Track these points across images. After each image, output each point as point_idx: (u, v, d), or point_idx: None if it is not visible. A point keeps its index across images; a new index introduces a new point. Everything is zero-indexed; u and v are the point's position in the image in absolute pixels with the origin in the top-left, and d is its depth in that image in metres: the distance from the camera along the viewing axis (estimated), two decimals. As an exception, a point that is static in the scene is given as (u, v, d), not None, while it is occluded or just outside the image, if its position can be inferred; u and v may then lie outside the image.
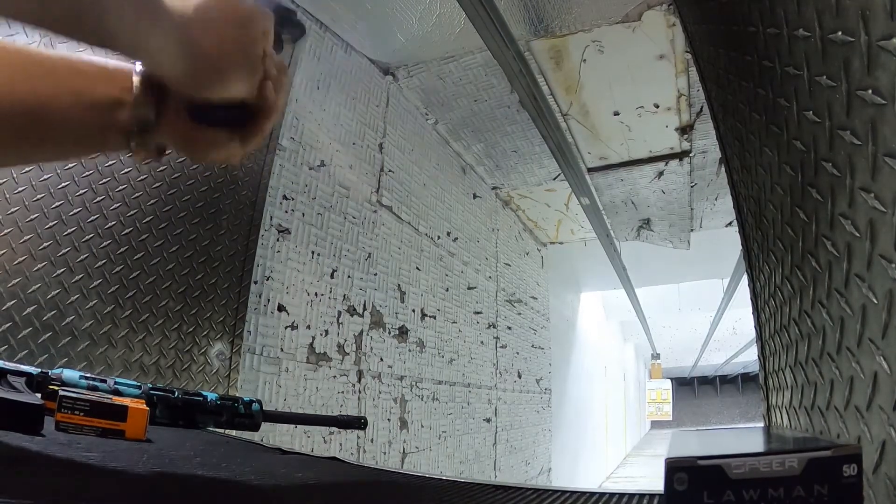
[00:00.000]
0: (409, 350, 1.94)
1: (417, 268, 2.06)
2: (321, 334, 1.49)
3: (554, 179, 2.80)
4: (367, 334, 1.70)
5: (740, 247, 0.89)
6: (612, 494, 0.51)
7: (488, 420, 2.63)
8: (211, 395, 0.74)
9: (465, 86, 2.02)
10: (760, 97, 0.59)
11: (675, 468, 0.33)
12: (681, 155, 2.53)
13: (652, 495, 0.50)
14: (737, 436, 0.57)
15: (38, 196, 0.84)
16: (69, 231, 0.88)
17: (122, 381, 0.65)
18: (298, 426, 1.33)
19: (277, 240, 1.36)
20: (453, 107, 2.16)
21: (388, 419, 1.77)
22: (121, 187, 0.97)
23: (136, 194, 1.00)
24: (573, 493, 0.52)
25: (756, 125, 0.64)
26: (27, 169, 0.83)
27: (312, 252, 1.49)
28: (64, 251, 0.87)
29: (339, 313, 1.57)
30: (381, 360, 1.76)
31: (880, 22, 0.34)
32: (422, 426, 1.98)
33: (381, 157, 1.87)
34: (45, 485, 0.33)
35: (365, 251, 1.73)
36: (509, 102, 2.11)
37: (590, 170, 2.68)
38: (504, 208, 3.20)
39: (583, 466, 5.07)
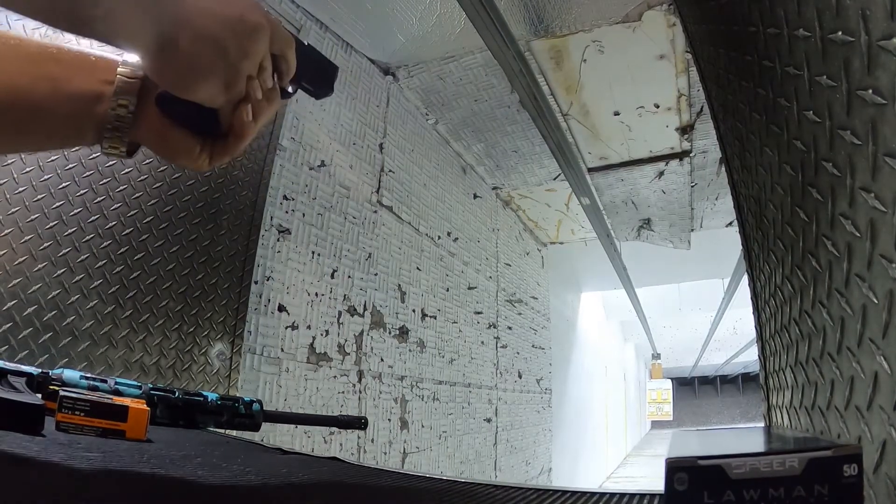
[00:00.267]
0: (410, 350, 1.94)
1: (418, 268, 2.06)
2: (321, 334, 1.49)
3: (554, 179, 2.80)
4: (368, 334, 1.70)
5: (741, 246, 0.89)
6: (612, 494, 0.51)
7: (489, 420, 2.63)
8: (211, 396, 0.74)
9: (466, 86, 2.02)
10: (761, 97, 0.59)
11: (676, 468, 0.33)
12: (681, 155, 2.53)
13: (652, 495, 0.50)
14: (737, 436, 0.57)
15: (39, 196, 0.84)
16: (70, 231, 0.88)
17: (122, 382, 0.65)
18: (299, 426, 1.33)
19: (278, 240, 1.36)
20: (453, 107, 2.16)
21: (389, 419, 1.77)
22: (121, 187, 0.97)
23: (137, 194, 1.00)
24: (574, 493, 0.52)
25: (756, 125, 0.64)
26: (28, 169, 0.83)
27: (313, 252, 1.49)
28: (64, 251, 0.87)
29: (340, 313, 1.57)
30: (382, 360, 1.76)
31: (880, 22, 0.34)
32: (422, 426, 1.98)
33: (382, 157, 1.87)
34: (45, 485, 0.33)
35: (365, 251, 1.73)
36: (509, 102, 2.12)
37: (590, 170, 2.68)
38: (504, 208, 3.20)
39: (583, 466, 5.07)
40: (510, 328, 3.08)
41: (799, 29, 0.45)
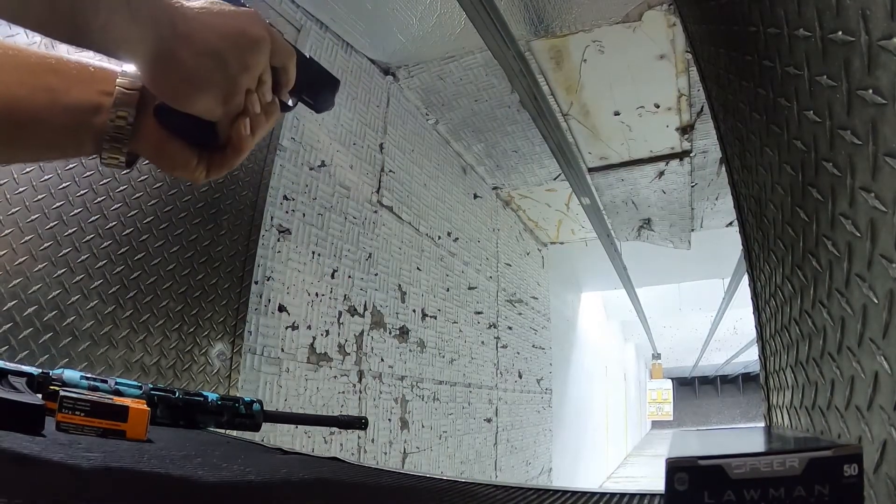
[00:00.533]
0: (410, 350, 1.94)
1: (418, 268, 2.06)
2: (322, 334, 1.49)
3: (554, 179, 2.80)
4: (368, 334, 1.70)
5: (741, 246, 0.89)
6: (612, 494, 0.51)
7: (489, 420, 2.63)
8: (212, 396, 0.74)
9: (466, 86, 2.02)
10: (761, 97, 0.59)
11: (676, 468, 0.33)
12: (681, 155, 2.53)
13: (653, 495, 0.50)
14: (737, 436, 0.57)
15: (39, 196, 0.84)
16: (70, 231, 0.88)
17: (122, 382, 0.65)
18: (299, 426, 1.33)
19: (278, 240, 1.36)
20: (454, 107, 2.16)
21: (389, 419, 1.77)
22: (122, 188, 0.97)
23: (137, 195, 1.00)
24: (574, 493, 0.52)
25: (756, 125, 0.64)
26: (28, 169, 0.83)
27: (313, 252, 1.49)
28: (65, 251, 0.87)
29: (340, 313, 1.57)
30: (382, 360, 1.76)
31: (880, 22, 0.34)
32: (422, 426, 1.98)
33: (382, 158, 1.88)
34: (46, 485, 0.33)
35: (365, 251, 1.73)
36: (510, 102, 2.12)
37: (590, 170, 2.68)
38: (505, 208, 3.20)
39: (583, 466, 5.07)
40: (510, 328, 3.08)
41: (799, 29, 0.45)
